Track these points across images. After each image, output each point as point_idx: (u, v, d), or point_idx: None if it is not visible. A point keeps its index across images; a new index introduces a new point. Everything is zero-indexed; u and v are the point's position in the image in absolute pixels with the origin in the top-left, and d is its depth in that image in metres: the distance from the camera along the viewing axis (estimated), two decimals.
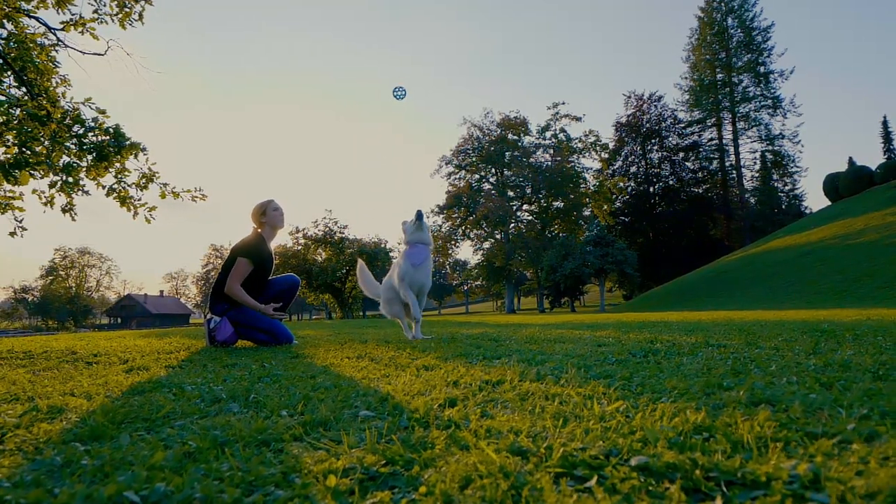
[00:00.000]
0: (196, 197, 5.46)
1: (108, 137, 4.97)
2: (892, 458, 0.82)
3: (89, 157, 4.95)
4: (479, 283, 49.13)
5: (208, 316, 4.28)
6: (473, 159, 43.38)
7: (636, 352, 2.60)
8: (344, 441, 1.01)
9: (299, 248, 32.84)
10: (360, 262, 4.92)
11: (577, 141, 41.88)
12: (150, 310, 72.56)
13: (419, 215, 4.25)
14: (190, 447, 0.98)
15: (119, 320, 72.45)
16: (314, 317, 69.25)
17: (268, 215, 4.20)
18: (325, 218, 33.33)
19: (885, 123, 50.37)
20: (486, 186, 43.58)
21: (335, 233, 32.43)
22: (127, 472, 0.84)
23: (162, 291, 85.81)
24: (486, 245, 42.67)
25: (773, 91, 48.37)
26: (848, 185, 33.75)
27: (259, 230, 4.23)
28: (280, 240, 32.17)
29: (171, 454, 0.93)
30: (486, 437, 1.00)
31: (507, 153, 42.54)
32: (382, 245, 32.92)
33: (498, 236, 41.72)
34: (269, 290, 4.40)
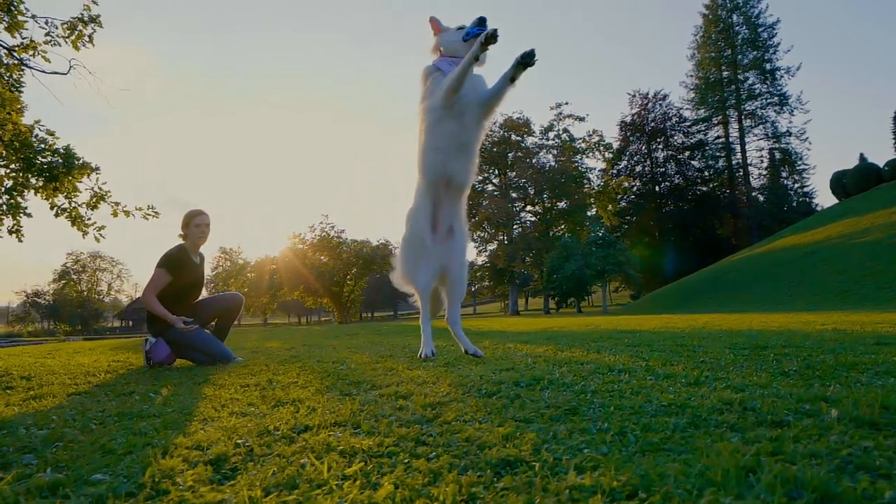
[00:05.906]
0: (148, 215, 5.54)
1: (57, 158, 5.07)
2: None
3: (37, 180, 5.03)
4: (484, 284, 49.07)
5: (146, 337, 4.30)
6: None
7: (524, 381, 2.53)
8: None
9: (300, 248, 33.10)
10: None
11: (580, 141, 41.65)
12: None
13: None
14: None
15: (130, 324, 73.41)
16: (323, 318, 69.60)
17: (189, 228, 4.12)
18: (321, 223, 33.69)
19: (895, 119, 49.36)
20: (489, 188, 43.47)
21: (332, 238, 32.69)
22: None
23: None
24: (490, 247, 42.56)
25: (779, 88, 47.73)
26: (855, 183, 33.13)
27: (184, 240, 4.17)
28: (279, 244, 32.46)
29: None
30: None
31: (510, 154, 42.39)
32: (387, 247, 33.06)
33: (501, 238, 41.60)
34: (205, 308, 4.38)
